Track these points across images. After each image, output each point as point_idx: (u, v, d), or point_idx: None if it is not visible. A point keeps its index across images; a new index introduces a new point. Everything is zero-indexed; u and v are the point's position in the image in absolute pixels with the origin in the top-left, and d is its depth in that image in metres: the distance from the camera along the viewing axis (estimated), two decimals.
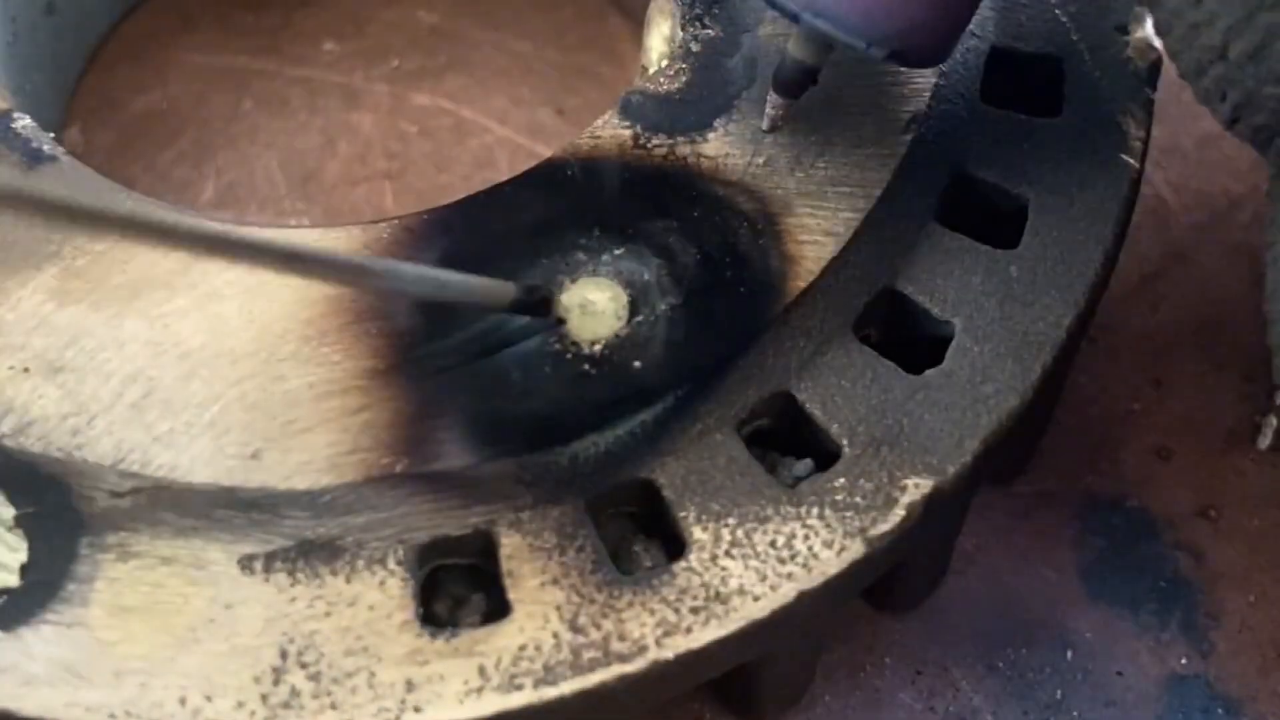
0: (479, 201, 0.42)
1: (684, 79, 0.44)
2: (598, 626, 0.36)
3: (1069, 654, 0.46)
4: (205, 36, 0.62)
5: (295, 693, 0.35)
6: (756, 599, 0.36)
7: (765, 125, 0.42)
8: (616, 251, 0.40)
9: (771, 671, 0.41)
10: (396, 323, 0.39)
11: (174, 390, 0.38)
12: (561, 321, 0.39)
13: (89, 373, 0.39)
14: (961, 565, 0.47)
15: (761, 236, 0.41)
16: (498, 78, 0.60)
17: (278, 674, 0.35)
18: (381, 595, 0.36)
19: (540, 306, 0.39)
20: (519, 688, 0.35)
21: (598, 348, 0.39)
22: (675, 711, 0.44)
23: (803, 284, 0.40)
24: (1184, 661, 0.46)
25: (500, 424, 0.38)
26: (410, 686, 0.35)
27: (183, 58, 0.61)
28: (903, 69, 0.43)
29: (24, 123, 0.45)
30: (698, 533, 0.37)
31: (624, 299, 0.39)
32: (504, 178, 0.43)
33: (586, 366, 0.38)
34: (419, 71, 0.60)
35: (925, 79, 0.44)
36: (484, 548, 0.38)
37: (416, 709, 0.35)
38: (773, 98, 0.42)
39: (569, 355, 0.38)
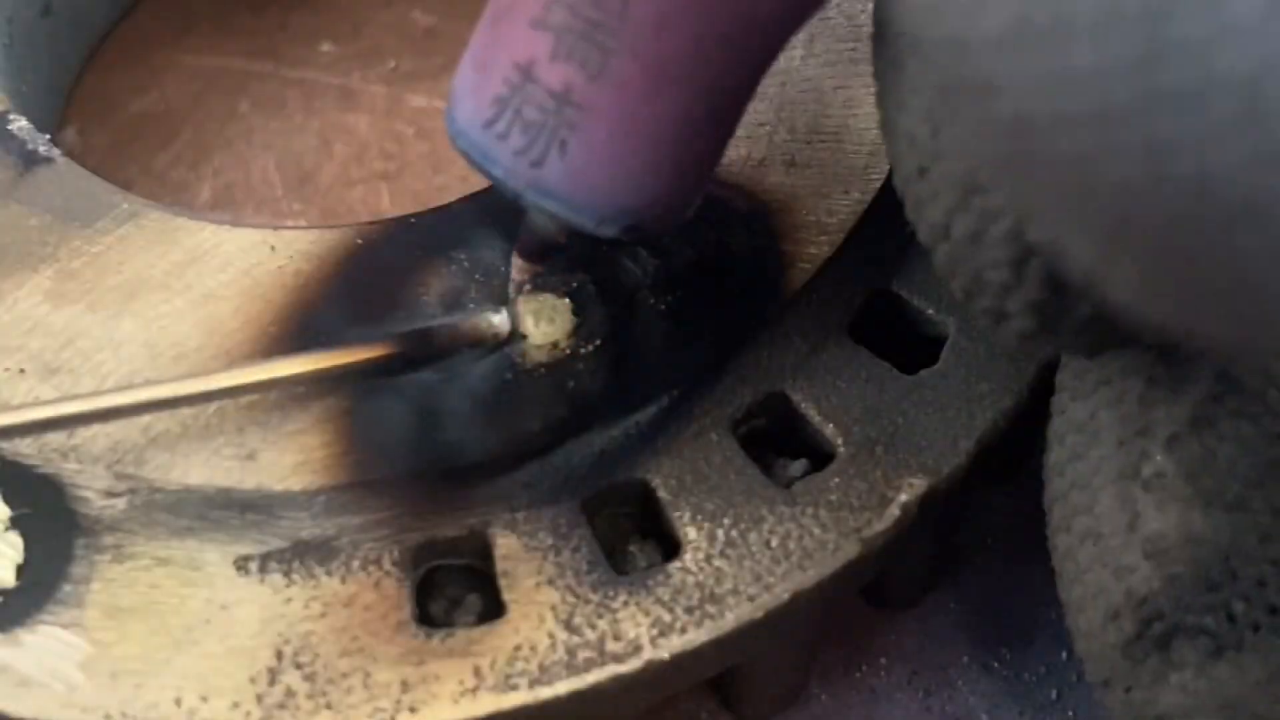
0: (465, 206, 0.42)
1: None
2: (593, 627, 0.36)
3: (1065, 654, 0.46)
4: (202, 38, 0.62)
5: (291, 693, 0.35)
6: (751, 599, 0.36)
7: (510, 290, 0.40)
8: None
9: (767, 671, 0.41)
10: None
11: (170, 390, 0.38)
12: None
13: (85, 374, 0.39)
14: (958, 565, 0.47)
15: (757, 236, 0.41)
16: None
17: (273, 674, 0.35)
18: (377, 596, 0.36)
19: (428, 350, 0.39)
20: (514, 688, 0.35)
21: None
22: (671, 711, 0.44)
23: (798, 284, 0.40)
24: None
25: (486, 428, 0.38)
26: (405, 687, 0.35)
27: (180, 59, 0.61)
28: None
29: (20, 124, 0.45)
30: (692, 533, 0.37)
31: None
32: None
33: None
34: (416, 73, 0.61)
35: None
36: (479, 548, 0.38)
37: (412, 709, 0.35)
38: (516, 261, 0.39)
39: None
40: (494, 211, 0.41)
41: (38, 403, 0.38)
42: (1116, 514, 0.32)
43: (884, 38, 0.32)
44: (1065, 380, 0.35)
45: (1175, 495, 0.31)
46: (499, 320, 0.39)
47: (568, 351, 0.39)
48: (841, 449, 0.39)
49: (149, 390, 0.37)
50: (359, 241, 0.41)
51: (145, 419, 0.38)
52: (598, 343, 0.39)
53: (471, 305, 0.40)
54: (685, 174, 0.35)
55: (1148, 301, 0.24)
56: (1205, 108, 0.19)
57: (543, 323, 0.39)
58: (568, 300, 0.39)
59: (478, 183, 0.38)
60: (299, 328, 0.40)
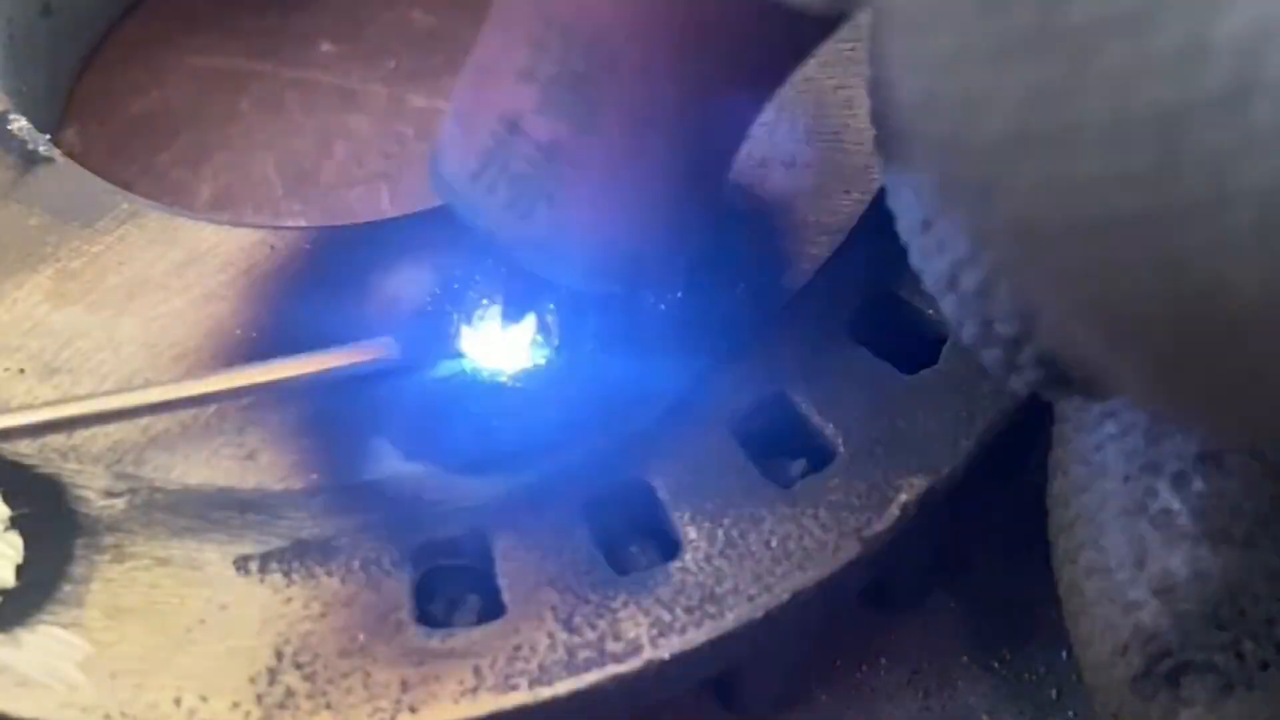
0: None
1: None
2: (593, 627, 0.36)
3: (1065, 654, 0.46)
4: (202, 38, 0.62)
5: (290, 693, 0.35)
6: (751, 599, 0.36)
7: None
8: None
9: (767, 671, 0.41)
10: None
11: (170, 392, 0.38)
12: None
13: (84, 374, 0.39)
14: (958, 565, 0.47)
15: (757, 237, 0.41)
16: None
17: (273, 674, 0.35)
18: (377, 596, 0.36)
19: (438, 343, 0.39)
20: (514, 688, 0.35)
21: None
22: (670, 711, 0.44)
23: (798, 284, 0.40)
24: None
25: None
26: (405, 686, 0.35)
27: (180, 59, 0.61)
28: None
29: (20, 124, 0.45)
30: (692, 533, 0.37)
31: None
32: None
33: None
34: (416, 73, 0.60)
35: None
36: (479, 548, 0.38)
37: (412, 709, 0.35)
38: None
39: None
40: None
41: (37, 404, 0.38)
42: (1124, 550, 0.32)
43: (883, 113, 0.32)
44: (1068, 411, 0.35)
45: (1183, 533, 0.31)
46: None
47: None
48: (841, 449, 0.39)
49: (145, 394, 0.37)
50: (357, 241, 0.41)
51: (144, 420, 0.38)
52: (590, 346, 0.39)
53: (471, 304, 0.40)
54: (675, 227, 0.35)
55: (1157, 395, 0.24)
56: (1223, 219, 0.18)
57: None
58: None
59: None
60: (296, 328, 0.40)
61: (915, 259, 0.31)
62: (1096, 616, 0.32)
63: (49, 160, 0.44)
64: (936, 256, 0.30)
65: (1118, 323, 0.22)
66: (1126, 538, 0.32)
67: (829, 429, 0.39)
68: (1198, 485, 0.31)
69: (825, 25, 0.32)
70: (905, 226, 0.31)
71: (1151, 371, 0.23)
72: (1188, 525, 0.31)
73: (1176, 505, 0.31)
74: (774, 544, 0.37)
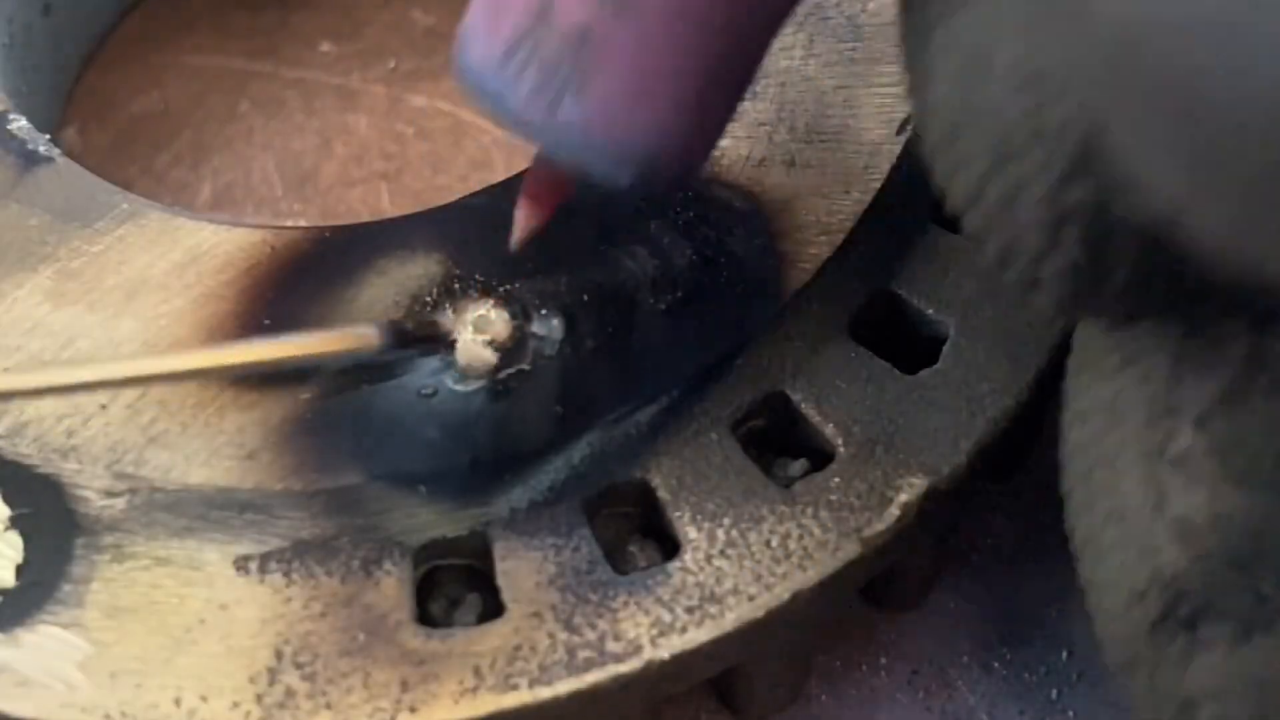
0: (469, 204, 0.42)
1: None
2: (593, 626, 0.36)
3: (1065, 654, 0.46)
4: (202, 38, 0.62)
5: (290, 693, 0.35)
6: (751, 599, 0.36)
7: (513, 245, 0.38)
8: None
9: (767, 671, 0.41)
10: None
11: (169, 391, 0.38)
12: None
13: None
14: (958, 564, 0.47)
15: (757, 236, 0.41)
16: None
17: (273, 674, 0.35)
18: (377, 595, 0.36)
19: (421, 339, 0.38)
20: (514, 688, 0.35)
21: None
22: (671, 711, 0.44)
23: (798, 284, 0.40)
24: None
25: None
26: (405, 687, 0.35)
27: (180, 59, 0.61)
28: (896, 70, 0.43)
29: (20, 124, 0.45)
30: (692, 533, 0.37)
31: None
32: (500, 179, 0.43)
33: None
34: (416, 73, 0.60)
35: None
36: (479, 548, 0.38)
37: (412, 709, 0.35)
38: (522, 207, 0.38)
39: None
40: (491, 213, 0.41)
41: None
42: (1143, 494, 0.31)
43: (912, 3, 0.31)
44: (1085, 362, 0.34)
45: (1204, 474, 0.30)
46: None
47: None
48: (841, 449, 0.39)
49: (117, 366, 0.36)
50: (357, 241, 0.41)
51: (145, 418, 0.38)
52: (590, 344, 0.39)
53: (471, 303, 0.40)
54: (701, 122, 0.34)
55: (1238, 238, 0.23)
56: None
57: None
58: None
59: (478, 182, 0.38)
60: (297, 328, 0.40)
61: (940, 176, 0.31)
62: (1112, 564, 0.32)
63: (49, 160, 0.44)
64: (962, 170, 0.30)
65: (1208, 144, 0.21)
66: (1146, 482, 0.31)
67: (829, 428, 0.39)
68: (1219, 426, 0.31)
69: None
70: (930, 143, 0.31)
71: (1238, 207, 0.22)
72: (1209, 466, 0.30)
73: (1199, 447, 0.30)
74: (774, 544, 0.37)
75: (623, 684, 0.36)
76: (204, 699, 0.35)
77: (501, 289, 0.40)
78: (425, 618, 0.37)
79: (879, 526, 0.38)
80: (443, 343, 0.39)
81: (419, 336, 0.38)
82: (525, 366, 0.39)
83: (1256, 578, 0.30)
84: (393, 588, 0.37)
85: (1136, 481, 0.31)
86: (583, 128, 0.33)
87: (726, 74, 0.34)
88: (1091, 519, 0.33)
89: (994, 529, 0.48)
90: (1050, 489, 0.50)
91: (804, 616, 0.38)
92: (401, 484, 0.37)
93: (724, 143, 0.42)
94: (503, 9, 0.33)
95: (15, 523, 0.37)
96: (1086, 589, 0.33)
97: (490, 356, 0.38)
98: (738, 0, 0.32)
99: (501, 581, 0.37)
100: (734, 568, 0.37)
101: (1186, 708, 0.30)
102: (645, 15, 0.32)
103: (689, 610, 0.36)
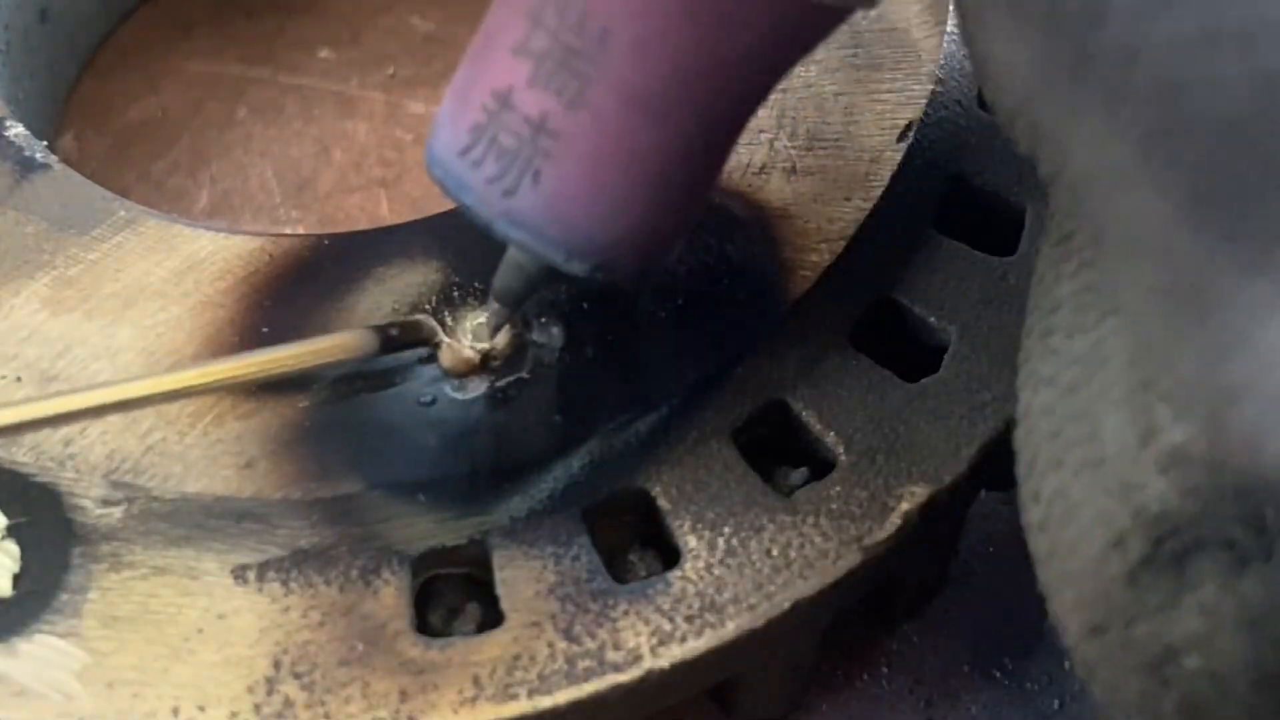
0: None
1: None
2: (592, 636, 0.36)
3: (1068, 664, 0.46)
4: (200, 44, 0.62)
5: (289, 703, 0.35)
6: (752, 608, 0.36)
7: (486, 339, 0.39)
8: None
9: (768, 680, 0.41)
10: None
11: (142, 388, 0.38)
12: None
13: (81, 382, 0.39)
14: (960, 574, 0.47)
15: (757, 244, 0.41)
16: None
17: (271, 684, 0.35)
18: (376, 605, 0.36)
19: (406, 343, 0.38)
20: (513, 697, 0.35)
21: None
22: None
23: (799, 292, 0.40)
24: None
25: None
26: (404, 696, 0.35)
27: (177, 65, 0.61)
28: (896, 77, 0.43)
29: (17, 130, 0.45)
30: (693, 541, 0.37)
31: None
32: None
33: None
34: (414, 79, 0.60)
35: (921, 85, 0.43)
36: (479, 557, 0.37)
37: (411, 719, 0.35)
38: (493, 305, 0.38)
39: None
40: None
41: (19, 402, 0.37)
42: (1127, 431, 0.30)
43: None
44: (1057, 323, 0.33)
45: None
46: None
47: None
48: (842, 457, 0.39)
49: (111, 391, 0.36)
50: (355, 248, 0.41)
51: (143, 427, 0.38)
52: (590, 353, 0.39)
53: (469, 311, 0.40)
54: (661, 213, 0.34)
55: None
56: None
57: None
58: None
59: None
60: (295, 336, 0.39)
61: (985, 90, 0.31)
62: (1084, 517, 0.31)
63: (46, 167, 0.44)
64: (1009, 87, 0.29)
65: None
66: (1132, 419, 0.30)
67: (830, 437, 0.39)
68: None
69: (824, 17, 0.32)
70: (979, 51, 0.30)
71: None
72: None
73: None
74: (775, 553, 0.37)
75: (622, 694, 0.35)
76: (201, 709, 0.35)
77: None
78: (424, 627, 0.37)
79: (880, 535, 0.37)
80: (429, 344, 0.39)
81: (403, 340, 0.38)
82: (525, 375, 0.39)
83: (1259, 504, 0.28)
84: (391, 597, 0.36)
85: (1120, 421, 0.30)
86: (538, 217, 0.33)
87: (688, 166, 0.34)
88: (1061, 476, 0.32)
89: (996, 538, 0.48)
90: None
91: (805, 626, 0.38)
92: (400, 493, 0.37)
93: None
94: (468, 99, 0.33)
95: (12, 532, 0.37)
96: (1047, 560, 0.32)
97: (473, 356, 0.38)
98: (699, 93, 0.32)
99: (501, 590, 0.37)
100: (734, 577, 0.37)
101: (1166, 660, 0.29)
102: (602, 107, 0.32)
103: (689, 619, 0.36)
